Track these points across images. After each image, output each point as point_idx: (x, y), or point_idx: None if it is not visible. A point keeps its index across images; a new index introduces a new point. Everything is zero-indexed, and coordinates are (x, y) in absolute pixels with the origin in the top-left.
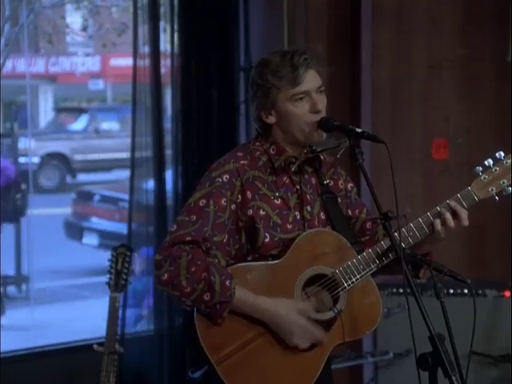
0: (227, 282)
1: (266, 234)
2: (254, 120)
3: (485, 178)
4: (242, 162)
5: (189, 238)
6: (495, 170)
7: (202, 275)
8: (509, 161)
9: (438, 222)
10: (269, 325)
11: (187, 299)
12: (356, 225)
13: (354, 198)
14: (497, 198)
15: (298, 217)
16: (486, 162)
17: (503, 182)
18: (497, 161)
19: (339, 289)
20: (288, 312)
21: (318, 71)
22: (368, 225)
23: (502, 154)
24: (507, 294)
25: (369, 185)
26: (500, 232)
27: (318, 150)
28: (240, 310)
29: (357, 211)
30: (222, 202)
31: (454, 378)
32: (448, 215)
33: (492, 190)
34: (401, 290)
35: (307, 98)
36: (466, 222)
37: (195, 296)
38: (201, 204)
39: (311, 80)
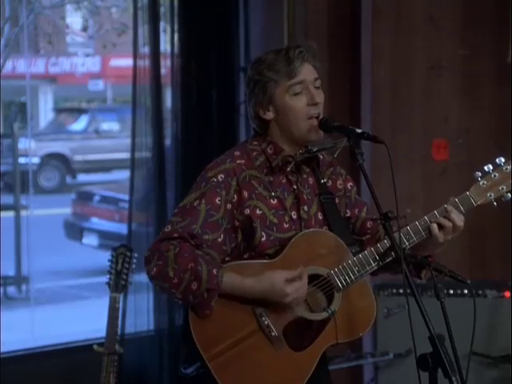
0: (214, 271)
1: (263, 233)
2: (250, 119)
3: (484, 183)
4: (238, 162)
5: (176, 235)
6: (494, 175)
7: (189, 265)
8: (508, 167)
9: (434, 227)
10: (261, 299)
11: (177, 290)
12: (356, 224)
13: (353, 197)
14: (495, 203)
15: (295, 216)
16: (485, 168)
17: (502, 188)
18: (496, 166)
19: (334, 290)
20: (272, 279)
21: (314, 66)
22: (369, 224)
23: (502, 159)
24: (507, 294)
25: (369, 185)
26: (500, 232)
27: (314, 150)
28: (229, 292)
29: (356, 210)
30: (216, 200)
31: (454, 378)
32: (444, 221)
33: (490, 195)
34: (401, 291)
35: (305, 91)
36: (460, 226)
37: (183, 286)
38: (195, 204)
39: (307, 72)
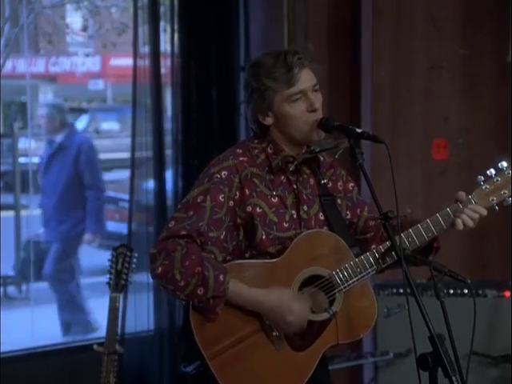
0: (221, 277)
1: (263, 232)
2: (250, 122)
3: (486, 187)
4: (241, 159)
5: (183, 232)
6: (497, 180)
7: (196, 269)
8: (511, 171)
9: (459, 222)
10: (263, 314)
11: (181, 293)
12: (359, 223)
13: (355, 198)
14: (497, 207)
15: (295, 216)
16: (488, 172)
17: (504, 193)
18: (499, 171)
19: (335, 290)
20: (281, 295)
21: (311, 69)
22: (371, 222)
23: (505, 164)
24: (507, 294)
25: (369, 185)
26: (500, 232)
27: (316, 150)
28: (234, 302)
29: (358, 210)
30: (220, 197)
31: (454, 378)
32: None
33: (493, 199)
34: (401, 290)
35: (303, 97)
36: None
37: (189, 290)
38: (198, 200)
39: (306, 79)
